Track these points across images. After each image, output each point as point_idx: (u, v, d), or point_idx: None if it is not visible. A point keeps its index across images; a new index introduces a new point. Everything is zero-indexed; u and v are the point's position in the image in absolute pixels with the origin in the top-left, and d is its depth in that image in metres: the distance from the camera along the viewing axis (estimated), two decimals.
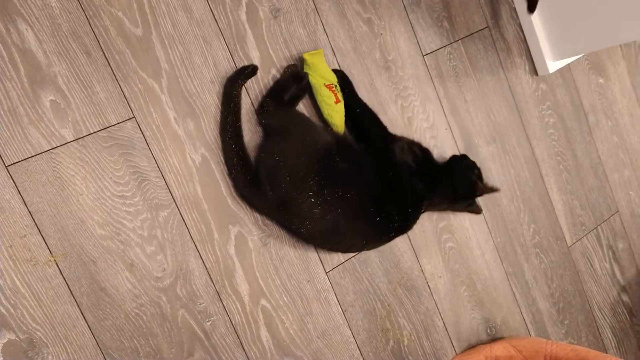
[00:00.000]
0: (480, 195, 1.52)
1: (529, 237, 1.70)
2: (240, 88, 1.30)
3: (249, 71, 1.30)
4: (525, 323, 1.68)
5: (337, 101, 1.35)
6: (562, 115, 1.78)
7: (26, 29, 1.14)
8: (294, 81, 1.34)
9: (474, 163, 1.51)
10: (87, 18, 1.19)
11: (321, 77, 1.34)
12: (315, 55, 1.35)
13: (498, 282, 1.64)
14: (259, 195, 1.28)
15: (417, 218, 1.42)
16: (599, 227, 1.84)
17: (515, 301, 1.67)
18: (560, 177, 1.76)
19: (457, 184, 1.46)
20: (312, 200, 1.24)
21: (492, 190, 1.50)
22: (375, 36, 1.49)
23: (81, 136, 1.17)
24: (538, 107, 1.73)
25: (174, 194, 1.25)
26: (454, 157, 1.52)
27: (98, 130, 1.19)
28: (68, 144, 1.16)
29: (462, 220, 1.59)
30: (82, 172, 1.17)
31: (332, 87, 1.35)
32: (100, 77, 1.19)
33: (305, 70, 1.35)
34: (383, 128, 1.44)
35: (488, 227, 1.63)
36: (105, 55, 1.20)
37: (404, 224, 1.39)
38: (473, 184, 1.46)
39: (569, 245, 1.78)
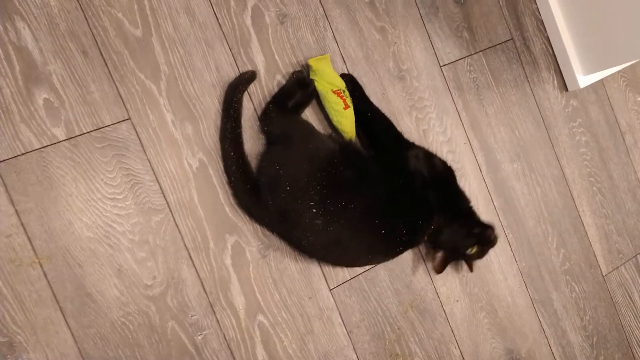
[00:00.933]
0: (461, 258, 1.40)
1: (559, 263, 1.57)
2: (242, 94, 1.26)
3: (248, 76, 1.26)
4: (554, 357, 1.54)
5: (346, 107, 1.29)
6: (596, 134, 1.66)
7: (23, 27, 1.13)
8: (299, 88, 1.29)
9: (489, 237, 1.36)
10: (85, 18, 1.17)
11: (328, 83, 1.29)
12: (320, 60, 1.30)
13: (522, 309, 1.51)
14: (259, 205, 1.23)
15: (428, 232, 1.31)
16: (638, 256, 1.69)
17: (543, 332, 1.53)
18: (594, 199, 1.63)
19: (461, 233, 1.34)
20: (314, 210, 1.18)
21: (471, 264, 1.41)
22: (388, 45, 1.43)
23: (73, 136, 1.15)
24: (568, 124, 1.62)
25: (168, 199, 1.20)
26: (483, 225, 1.37)
27: (91, 131, 1.16)
28: (59, 143, 1.14)
29: None
30: (72, 173, 1.14)
31: (340, 93, 1.29)
32: (97, 77, 1.17)
33: (311, 77, 1.30)
34: (397, 134, 1.37)
35: (512, 250, 1.51)
36: (102, 56, 1.18)
37: (413, 238, 1.29)
38: (466, 245, 1.35)
39: (604, 274, 1.63)
